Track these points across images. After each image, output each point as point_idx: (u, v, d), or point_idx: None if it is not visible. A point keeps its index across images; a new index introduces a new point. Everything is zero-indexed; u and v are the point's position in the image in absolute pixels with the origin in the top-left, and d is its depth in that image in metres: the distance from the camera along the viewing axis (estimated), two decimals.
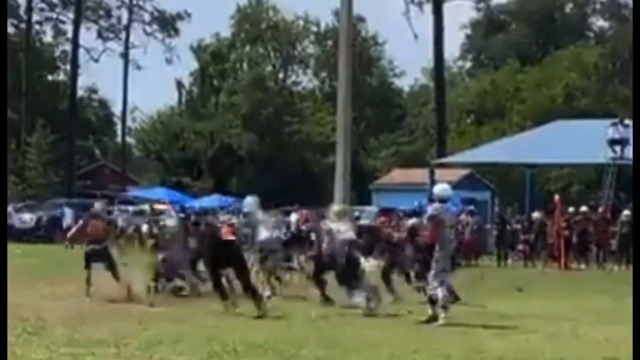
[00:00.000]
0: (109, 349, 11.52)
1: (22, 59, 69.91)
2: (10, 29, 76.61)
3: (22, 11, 74.07)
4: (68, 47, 75.30)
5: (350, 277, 16.49)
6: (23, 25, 73.99)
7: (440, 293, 14.84)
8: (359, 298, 16.25)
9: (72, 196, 53.99)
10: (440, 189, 15.77)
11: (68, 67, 75.20)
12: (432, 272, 15.03)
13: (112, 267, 18.15)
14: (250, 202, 19.62)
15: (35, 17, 74.09)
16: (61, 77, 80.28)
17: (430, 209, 15.66)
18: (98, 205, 19.59)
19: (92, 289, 17.80)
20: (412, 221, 18.97)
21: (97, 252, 18.18)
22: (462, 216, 33.44)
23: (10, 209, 46.47)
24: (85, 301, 17.28)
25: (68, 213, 42.79)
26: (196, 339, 12.56)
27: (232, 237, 16.37)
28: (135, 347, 11.76)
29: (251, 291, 15.80)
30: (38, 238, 43.37)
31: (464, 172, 49.30)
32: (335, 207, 18.63)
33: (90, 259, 18.13)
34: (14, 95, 69.41)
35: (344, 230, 16.94)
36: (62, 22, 75.84)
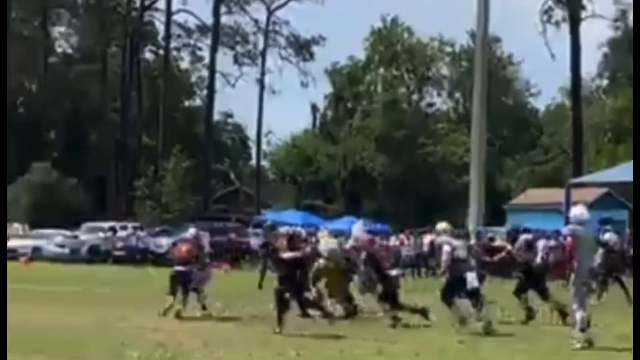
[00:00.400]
0: None
1: (160, 84, 71.56)
2: (149, 55, 79.04)
3: (160, 38, 76.16)
4: (205, 72, 77.05)
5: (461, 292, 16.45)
6: (161, 52, 75.82)
7: (578, 315, 14.37)
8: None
9: (205, 219, 54.60)
10: (579, 212, 15.29)
11: (204, 92, 76.87)
12: (571, 294, 14.64)
13: (191, 290, 18.37)
14: (359, 226, 19.49)
15: (173, 43, 75.82)
16: (197, 102, 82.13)
17: (566, 230, 15.36)
18: (192, 231, 19.71)
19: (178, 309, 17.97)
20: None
21: (181, 274, 18.37)
22: (607, 235, 32.14)
23: (145, 233, 47.36)
24: (219, 325, 17.10)
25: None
26: None
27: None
28: None
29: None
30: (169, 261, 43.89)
31: (600, 191, 48.01)
32: (444, 224, 18.23)
33: (174, 280, 18.40)
34: (152, 121, 71.16)
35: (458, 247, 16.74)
36: (199, 48, 77.76)
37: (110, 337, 14.44)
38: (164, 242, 45.49)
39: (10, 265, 38.58)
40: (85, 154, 71.12)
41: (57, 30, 78.64)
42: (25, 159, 60.69)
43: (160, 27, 75.32)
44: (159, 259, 43.06)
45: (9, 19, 61.27)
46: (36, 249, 44.09)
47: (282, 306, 15.95)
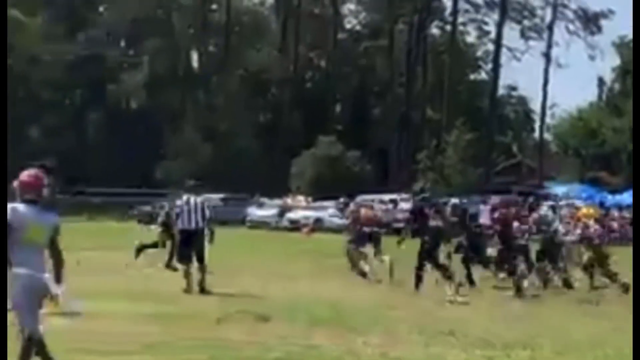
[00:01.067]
0: (524, 351, 11.34)
1: (445, 59, 73.13)
2: (435, 31, 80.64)
3: (447, 14, 77.67)
4: (491, 47, 77.74)
5: None
6: (448, 27, 77.28)
7: None
8: None
9: (486, 192, 55.41)
10: None
11: (490, 66, 77.75)
12: None
13: None
14: None
15: (460, 19, 76.93)
16: (482, 76, 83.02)
17: None
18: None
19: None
20: None
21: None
22: None
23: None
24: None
25: (483, 210, 44.04)
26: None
27: None
28: (549, 349, 11.54)
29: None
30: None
31: None
32: None
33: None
34: (437, 95, 72.89)
35: None
36: (486, 23, 78.38)
37: (384, 312, 14.61)
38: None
39: (293, 235, 41.53)
40: (369, 127, 73.89)
41: (347, 7, 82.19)
42: (311, 133, 63.95)
43: (448, 3, 76.75)
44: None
45: None
46: (318, 220, 46.65)
47: None
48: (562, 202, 37.91)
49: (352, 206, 22.51)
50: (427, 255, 17.53)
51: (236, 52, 74.96)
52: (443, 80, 71.30)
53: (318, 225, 44.85)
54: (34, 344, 8.05)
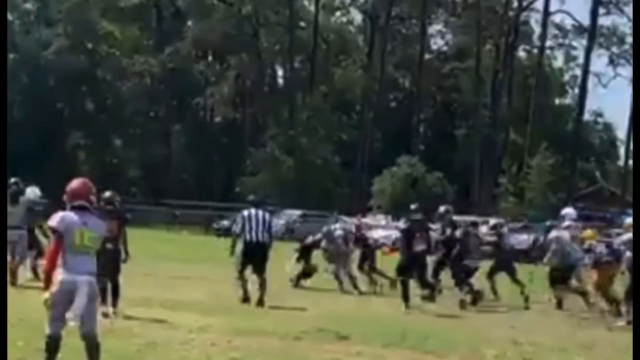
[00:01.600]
0: None
1: (531, 83, 72.65)
2: (522, 54, 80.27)
3: (535, 37, 77.38)
4: (578, 72, 77.07)
5: None
6: (535, 51, 76.84)
7: None
8: None
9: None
10: None
11: (576, 91, 76.99)
12: None
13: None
14: None
15: (548, 43, 76.47)
16: (568, 101, 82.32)
17: None
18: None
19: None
20: None
21: None
22: None
23: (506, 229, 48.35)
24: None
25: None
26: None
27: None
28: None
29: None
30: (531, 259, 44.65)
31: None
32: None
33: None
34: (521, 118, 72.36)
35: None
36: (574, 48, 77.92)
37: (464, 331, 14.72)
38: (524, 238, 46.33)
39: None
40: (452, 148, 73.73)
41: (434, 28, 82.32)
42: (393, 152, 64.00)
43: (536, 26, 76.46)
44: (519, 256, 43.96)
45: None
46: (397, 240, 46.43)
47: None
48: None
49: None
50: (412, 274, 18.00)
51: (322, 69, 75.37)
52: (528, 103, 70.77)
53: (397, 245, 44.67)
54: (54, 347, 8.59)
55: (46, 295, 8.53)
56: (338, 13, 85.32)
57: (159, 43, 73.67)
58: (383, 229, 48.88)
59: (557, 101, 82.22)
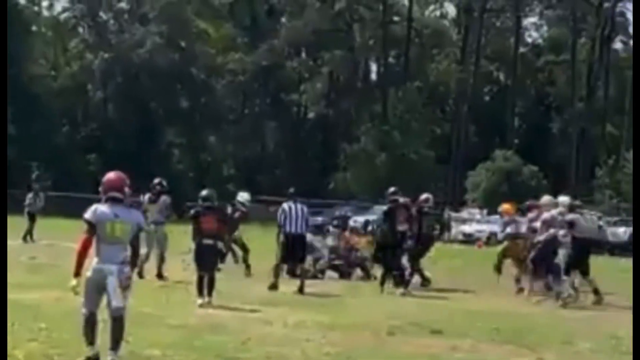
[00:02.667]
0: None
1: (628, 75, 71.16)
2: (618, 45, 78.98)
3: (631, 28, 75.98)
4: None
5: None
6: (631, 42, 75.36)
7: None
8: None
9: None
10: None
11: None
12: None
13: None
14: None
15: None
16: None
17: None
18: None
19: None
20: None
21: None
22: None
23: (603, 222, 47.68)
24: None
25: None
26: None
27: None
28: None
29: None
30: (631, 252, 43.98)
31: None
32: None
33: None
34: (618, 110, 71.22)
35: None
36: None
37: (558, 326, 14.43)
38: (622, 231, 45.71)
39: (467, 248, 41.44)
40: (548, 142, 72.84)
41: (529, 20, 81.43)
42: (488, 146, 63.62)
43: (632, 17, 75.06)
44: (615, 249, 43.40)
45: None
46: (492, 234, 46.41)
47: None
48: None
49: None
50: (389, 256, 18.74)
51: (416, 64, 75.16)
52: (624, 96, 69.53)
53: (493, 240, 44.64)
54: (90, 321, 9.13)
55: (73, 282, 9.07)
56: (432, 7, 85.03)
57: (252, 41, 74.26)
58: (477, 223, 48.68)
59: None
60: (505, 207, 21.17)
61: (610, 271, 25.20)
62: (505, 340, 12.60)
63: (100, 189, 9.37)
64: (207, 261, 15.07)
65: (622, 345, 12.34)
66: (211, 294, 14.95)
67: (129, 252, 9.27)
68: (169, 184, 20.39)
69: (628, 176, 59.88)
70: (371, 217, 45.65)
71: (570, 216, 18.14)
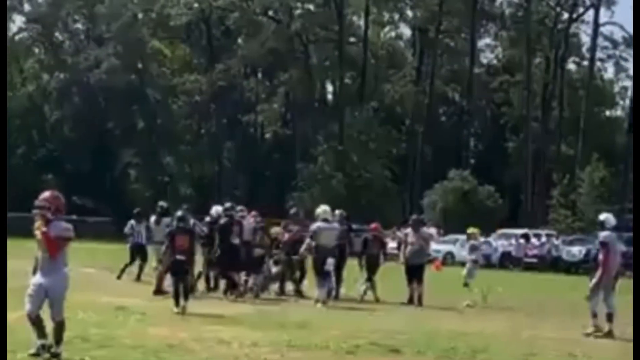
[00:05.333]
0: None
1: (582, 95, 72.38)
2: (572, 66, 79.83)
3: (584, 49, 77.07)
4: (628, 83, 76.55)
5: None
6: (585, 63, 76.49)
7: None
8: None
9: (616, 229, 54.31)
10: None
11: (627, 102, 76.44)
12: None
13: None
14: None
15: (599, 54, 75.99)
16: (619, 112, 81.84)
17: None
18: None
19: None
20: None
21: None
22: None
23: (559, 241, 47.97)
24: None
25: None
26: None
27: None
28: None
29: None
30: (585, 270, 44.27)
31: None
32: None
33: None
34: (572, 130, 71.94)
35: None
36: (625, 59, 77.22)
37: (516, 346, 14.33)
38: (576, 250, 45.94)
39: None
40: (503, 162, 73.47)
41: (484, 42, 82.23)
42: (444, 166, 63.92)
43: (586, 38, 76.24)
44: (571, 268, 43.64)
45: None
46: (448, 254, 46.80)
47: None
48: None
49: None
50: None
51: (372, 84, 75.51)
52: (579, 116, 70.35)
53: (450, 260, 45.10)
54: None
55: None
56: (387, 28, 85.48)
57: (209, 61, 74.24)
58: (435, 244, 48.73)
59: (607, 113, 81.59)
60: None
61: (563, 290, 25.45)
62: (462, 359, 12.69)
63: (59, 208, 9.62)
64: (180, 272, 17.06)
65: None
66: (187, 298, 16.85)
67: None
68: (126, 204, 21.16)
69: (583, 195, 60.64)
70: None
71: None
